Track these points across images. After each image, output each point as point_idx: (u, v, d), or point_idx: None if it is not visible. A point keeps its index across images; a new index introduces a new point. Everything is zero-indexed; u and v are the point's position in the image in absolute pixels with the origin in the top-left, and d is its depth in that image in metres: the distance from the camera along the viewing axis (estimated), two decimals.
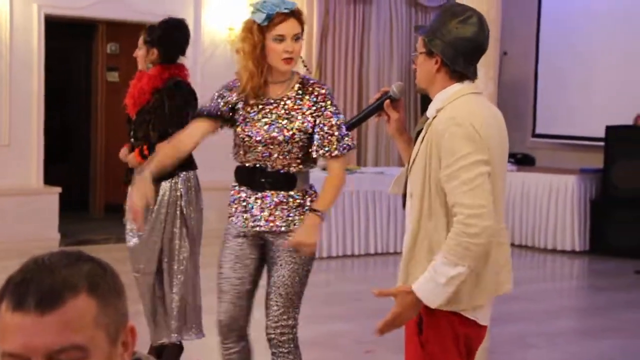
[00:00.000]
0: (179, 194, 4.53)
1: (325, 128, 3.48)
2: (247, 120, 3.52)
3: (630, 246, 9.19)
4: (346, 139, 3.51)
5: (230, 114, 3.55)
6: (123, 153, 4.74)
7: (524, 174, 9.88)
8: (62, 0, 8.96)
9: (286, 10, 3.44)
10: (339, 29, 10.61)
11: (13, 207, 8.60)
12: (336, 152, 3.50)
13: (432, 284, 2.67)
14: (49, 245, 8.16)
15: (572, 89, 10.48)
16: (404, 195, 2.93)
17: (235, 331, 3.57)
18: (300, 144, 3.50)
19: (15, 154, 8.76)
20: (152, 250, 4.56)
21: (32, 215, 8.68)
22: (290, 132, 3.47)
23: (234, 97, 3.55)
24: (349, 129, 3.37)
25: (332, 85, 10.56)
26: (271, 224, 3.51)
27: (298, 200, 3.52)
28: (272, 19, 3.42)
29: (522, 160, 10.60)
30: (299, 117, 3.49)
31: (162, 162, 3.63)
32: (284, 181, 3.52)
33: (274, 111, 3.51)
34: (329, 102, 3.52)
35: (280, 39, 3.43)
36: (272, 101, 3.52)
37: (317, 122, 3.49)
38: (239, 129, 3.53)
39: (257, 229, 3.53)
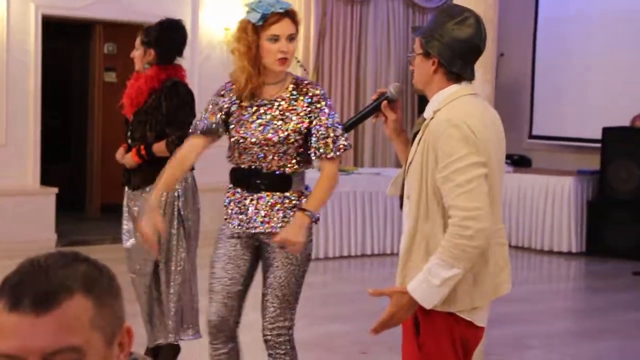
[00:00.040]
0: (176, 194, 4.53)
1: (322, 130, 3.48)
2: (242, 122, 3.51)
3: (627, 247, 9.20)
4: (341, 139, 3.50)
5: (225, 122, 3.55)
6: (120, 154, 4.74)
7: (521, 176, 9.88)
8: (60, 0, 8.95)
9: (281, 10, 3.43)
10: (337, 30, 10.62)
11: (9, 208, 8.59)
12: (332, 155, 3.50)
13: (426, 285, 2.68)
14: (45, 246, 8.16)
15: (569, 91, 10.49)
16: (401, 197, 2.93)
17: (224, 332, 3.56)
18: (296, 144, 3.49)
19: (11, 154, 8.75)
20: (149, 251, 4.55)
21: (29, 216, 8.67)
22: (285, 133, 3.46)
23: (226, 101, 3.55)
24: (346, 129, 3.37)
25: (329, 86, 10.56)
26: (267, 225, 3.50)
27: (294, 201, 3.52)
28: (267, 19, 3.41)
29: (518, 162, 10.60)
30: (294, 118, 3.48)
31: (169, 186, 3.73)
32: (279, 182, 3.51)
33: (268, 112, 3.50)
34: (323, 103, 3.51)
35: (275, 38, 3.42)
36: (266, 102, 3.51)
37: (313, 123, 3.48)
38: (233, 132, 3.53)
39: (253, 230, 3.53)
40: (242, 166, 3.55)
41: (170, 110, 4.51)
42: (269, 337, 3.52)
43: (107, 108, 10.32)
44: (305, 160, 3.56)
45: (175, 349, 4.63)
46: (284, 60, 3.45)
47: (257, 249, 3.60)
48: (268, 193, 3.51)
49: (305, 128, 3.49)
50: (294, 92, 3.52)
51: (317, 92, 3.52)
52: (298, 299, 3.56)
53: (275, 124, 3.48)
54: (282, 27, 3.43)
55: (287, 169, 3.51)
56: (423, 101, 3.40)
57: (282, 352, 3.52)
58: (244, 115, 3.51)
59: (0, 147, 8.71)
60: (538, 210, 9.68)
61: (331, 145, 3.48)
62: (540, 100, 10.81)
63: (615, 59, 10.02)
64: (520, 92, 11.00)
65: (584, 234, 9.58)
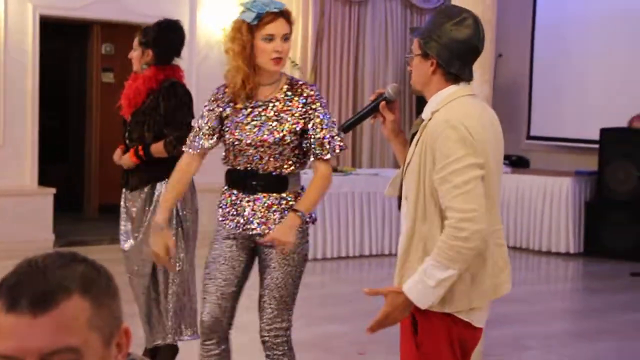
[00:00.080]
0: None
1: (317, 131, 3.47)
2: (236, 124, 3.50)
3: (625, 248, 9.20)
4: (337, 140, 3.51)
5: (220, 130, 3.55)
6: (117, 155, 4.73)
7: (519, 176, 9.89)
8: (57, 0, 8.94)
9: (276, 10, 3.43)
10: (334, 30, 10.62)
11: (7, 208, 8.58)
12: (328, 156, 3.50)
13: (422, 285, 2.68)
14: (43, 246, 8.15)
15: (567, 91, 10.49)
16: (399, 197, 2.93)
17: (217, 333, 3.55)
18: (292, 145, 3.49)
19: (9, 154, 8.74)
20: (147, 252, 4.55)
21: (26, 216, 8.66)
22: (281, 134, 3.46)
23: (220, 106, 3.54)
24: (345, 130, 3.36)
25: (327, 86, 10.56)
26: (264, 227, 3.49)
27: (290, 202, 3.51)
28: (262, 19, 3.41)
29: (516, 163, 10.61)
30: (289, 119, 3.47)
31: (173, 203, 3.74)
32: (275, 183, 3.51)
33: (262, 113, 3.49)
34: (318, 104, 3.50)
35: (270, 38, 3.42)
36: (260, 103, 3.51)
37: (310, 125, 3.48)
38: (228, 134, 3.52)
39: (250, 232, 3.52)
40: (238, 168, 3.54)
41: (168, 111, 4.51)
42: (267, 338, 3.52)
43: (104, 108, 10.32)
44: (301, 161, 3.55)
45: (173, 350, 4.63)
46: (278, 60, 3.44)
47: (253, 251, 3.59)
48: (264, 194, 3.51)
49: (301, 129, 3.48)
50: (289, 93, 3.51)
51: (312, 92, 3.52)
52: (295, 300, 3.56)
53: (270, 125, 3.47)
54: (276, 27, 3.43)
55: (283, 170, 3.51)
56: (421, 102, 3.40)
57: (280, 353, 3.52)
58: (239, 117, 3.51)
59: None
60: (536, 211, 9.68)
61: (327, 146, 3.48)
62: (538, 101, 10.81)
63: (613, 59, 10.02)
64: (518, 93, 11.00)
65: (581, 234, 9.59)
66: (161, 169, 4.52)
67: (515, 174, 9.96)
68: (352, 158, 10.74)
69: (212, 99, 3.59)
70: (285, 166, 3.51)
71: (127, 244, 4.65)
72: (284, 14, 3.46)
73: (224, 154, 3.61)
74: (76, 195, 10.89)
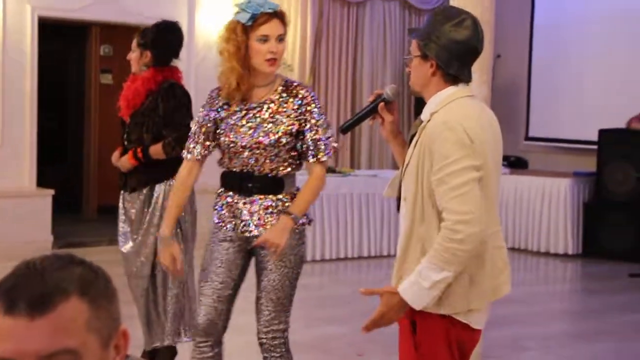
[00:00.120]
0: None
1: (313, 133, 3.47)
2: (231, 126, 3.49)
3: (623, 249, 9.20)
4: (331, 140, 3.52)
5: (215, 133, 3.55)
6: (115, 157, 4.73)
7: (517, 177, 9.89)
8: (56, 2, 8.94)
9: (270, 10, 3.42)
10: (333, 32, 10.62)
11: (5, 209, 8.57)
12: (324, 158, 3.50)
13: (417, 287, 2.69)
14: (42, 248, 8.15)
15: (565, 92, 10.50)
16: (399, 198, 2.93)
17: (212, 335, 3.54)
18: (287, 147, 3.48)
19: (8, 155, 8.73)
20: (146, 253, 4.55)
21: (25, 218, 8.65)
22: (276, 136, 3.45)
23: (215, 110, 3.54)
24: (344, 131, 3.36)
25: (325, 88, 10.56)
26: (261, 229, 3.49)
27: (287, 204, 3.51)
28: (257, 19, 3.40)
29: (515, 164, 10.61)
30: (284, 120, 3.47)
31: (178, 213, 3.74)
32: (271, 185, 3.50)
33: (257, 115, 3.48)
34: (313, 105, 3.50)
35: (265, 39, 3.41)
36: (254, 105, 3.50)
37: (307, 126, 3.47)
38: (223, 136, 3.51)
39: (248, 234, 3.52)
40: (234, 170, 3.53)
41: (167, 112, 4.51)
42: (264, 341, 3.51)
43: (103, 110, 10.32)
44: (296, 163, 3.55)
45: (172, 351, 4.63)
46: (273, 61, 3.44)
47: (249, 253, 3.59)
48: (261, 196, 3.50)
49: (296, 130, 3.48)
50: (284, 94, 3.50)
51: (307, 94, 3.51)
52: (292, 302, 3.55)
53: (266, 127, 3.46)
54: (271, 28, 3.42)
55: (279, 172, 3.50)
56: (419, 103, 3.40)
57: (278, 355, 3.52)
58: (233, 119, 3.50)
59: None
60: (534, 212, 9.68)
61: (323, 148, 3.48)
62: (537, 102, 10.82)
63: (611, 60, 10.03)
64: (516, 94, 11.01)
65: (580, 235, 9.59)
66: (160, 170, 4.53)
67: (514, 174, 9.96)
68: (350, 159, 10.74)
69: (206, 103, 3.58)
70: (281, 168, 3.50)
71: (126, 246, 4.65)
72: (279, 15, 3.46)
73: (220, 156, 3.60)
74: (75, 197, 10.88)
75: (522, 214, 9.76)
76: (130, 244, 4.62)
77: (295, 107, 3.48)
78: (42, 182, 9.06)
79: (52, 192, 8.95)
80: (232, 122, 3.49)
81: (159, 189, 4.54)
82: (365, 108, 3.11)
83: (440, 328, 2.77)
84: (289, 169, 3.52)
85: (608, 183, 9.46)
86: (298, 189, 3.58)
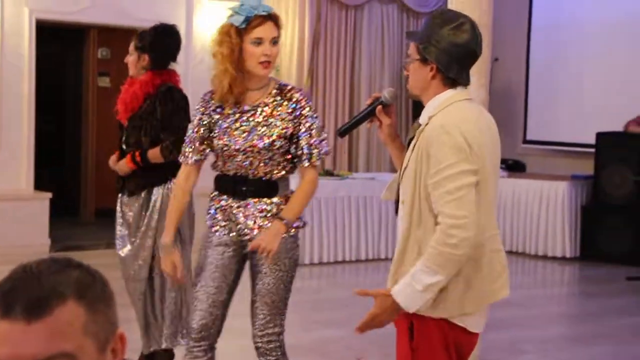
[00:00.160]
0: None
1: (307, 137, 3.47)
2: (225, 129, 3.49)
3: (620, 252, 9.21)
4: (324, 143, 3.53)
5: (209, 137, 3.54)
6: (112, 161, 4.72)
7: (515, 180, 9.89)
8: (54, 5, 8.94)
9: (264, 13, 3.42)
10: (331, 35, 10.62)
11: (3, 213, 8.56)
12: (318, 162, 3.51)
13: (410, 290, 2.70)
14: (39, 251, 8.14)
15: (563, 96, 10.51)
16: (397, 201, 2.93)
17: (206, 340, 3.53)
18: (281, 150, 3.48)
19: (5, 158, 8.73)
20: (144, 257, 4.55)
21: (22, 221, 8.64)
22: (270, 139, 3.44)
23: (207, 114, 3.53)
24: (341, 134, 3.36)
25: (323, 91, 10.56)
26: (256, 232, 3.49)
27: (281, 207, 3.50)
28: (250, 22, 3.39)
29: (512, 167, 10.62)
30: (278, 124, 3.46)
31: (178, 220, 3.73)
32: (266, 188, 3.50)
33: (251, 119, 3.48)
34: (307, 109, 3.50)
35: (259, 42, 3.40)
36: (248, 108, 3.49)
37: (301, 130, 3.47)
38: (217, 140, 3.50)
39: (243, 238, 3.51)
40: (228, 173, 3.53)
41: (165, 116, 4.51)
42: (260, 344, 3.50)
43: (101, 113, 10.31)
44: (290, 166, 3.55)
45: (169, 355, 4.62)
46: (267, 64, 3.43)
47: (244, 257, 3.58)
48: (255, 200, 3.50)
49: (290, 133, 3.48)
50: (278, 98, 3.50)
51: (301, 97, 3.50)
52: (287, 305, 3.54)
53: (260, 130, 3.45)
54: (265, 30, 3.41)
55: (273, 175, 3.50)
56: (417, 106, 3.40)
57: (273, 358, 3.51)
58: (227, 122, 3.49)
59: None
60: (532, 215, 9.68)
61: (316, 151, 3.49)
62: (535, 105, 10.82)
63: (609, 63, 10.04)
64: (514, 97, 11.01)
65: (577, 239, 9.59)
66: (158, 174, 4.52)
67: (512, 178, 9.96)
68: (348, 162, 10.74)
69: (199, 107, 3.57)
70: (275, 171, 3.50)
71: (124, 249, 4.64)
72: (272, 18, 3.45)
73: (214, 159, 3.60)
74: (72, 200, 10.87)
75: (519, 217, 9.76)
76: (128, 247, 4.61)
77: (290, 110, 3.48)
78: (39, 185, 9.06)
79: (49, 195, 8.94)
80: (226, 125, 3.49)
81: (157, 192, 4.53)
82: (363, 111, 3.11)
83: (437, 331, 2.78)
84: (283, 172, 3.52)
85: (606, 186, 9.47)
86: (292, 192, 3.57)
